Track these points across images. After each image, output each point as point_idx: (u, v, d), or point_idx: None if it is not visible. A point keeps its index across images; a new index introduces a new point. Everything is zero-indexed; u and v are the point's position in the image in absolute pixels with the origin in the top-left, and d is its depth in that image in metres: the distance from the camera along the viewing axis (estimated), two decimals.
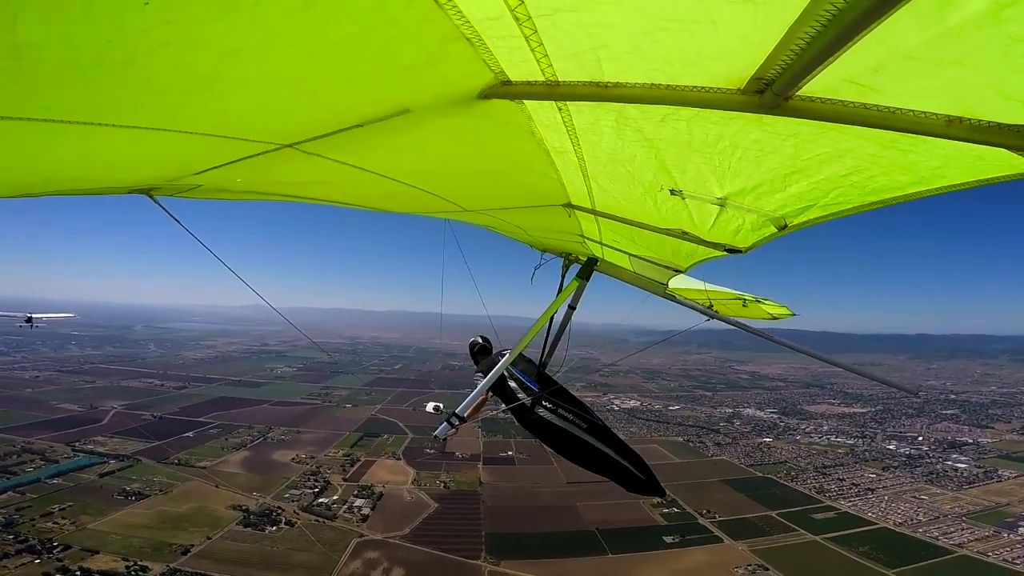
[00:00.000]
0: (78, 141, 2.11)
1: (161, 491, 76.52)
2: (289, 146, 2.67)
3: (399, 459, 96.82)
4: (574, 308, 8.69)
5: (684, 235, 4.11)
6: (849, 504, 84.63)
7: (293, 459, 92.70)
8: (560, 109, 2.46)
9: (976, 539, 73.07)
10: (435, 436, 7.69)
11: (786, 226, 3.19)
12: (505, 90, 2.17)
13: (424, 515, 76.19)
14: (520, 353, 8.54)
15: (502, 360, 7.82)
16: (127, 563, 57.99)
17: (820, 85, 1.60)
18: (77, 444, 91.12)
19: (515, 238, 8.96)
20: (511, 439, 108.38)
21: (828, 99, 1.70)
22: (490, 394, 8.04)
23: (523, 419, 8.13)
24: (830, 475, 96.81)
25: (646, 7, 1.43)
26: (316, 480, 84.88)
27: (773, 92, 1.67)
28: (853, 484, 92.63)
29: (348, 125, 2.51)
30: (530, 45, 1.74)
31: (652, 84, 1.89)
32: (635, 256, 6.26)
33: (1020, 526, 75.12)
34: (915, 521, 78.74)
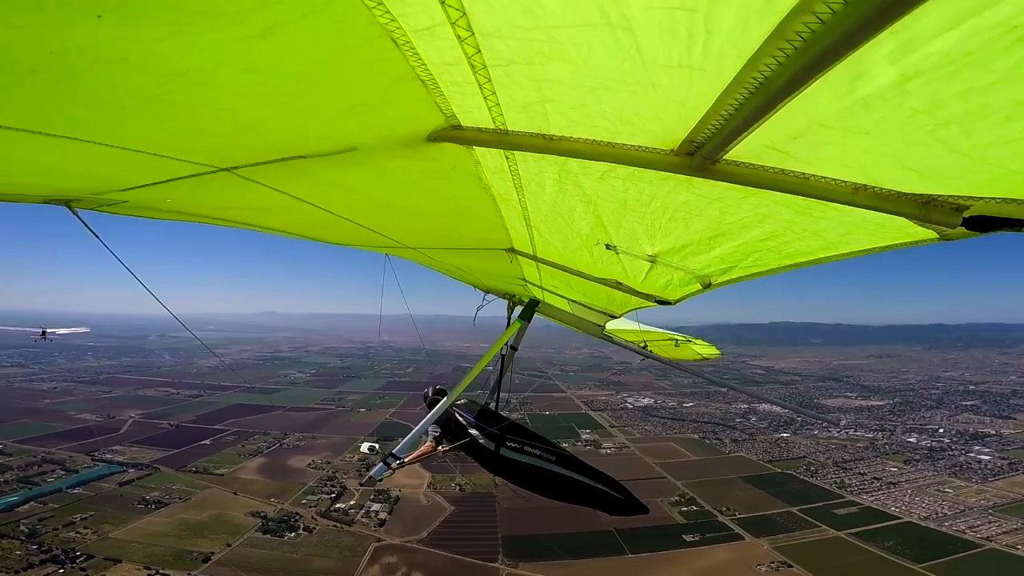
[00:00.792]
0: None
1: (180, 499, 76.97)
2: (226, 170, 2.60)
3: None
4: (516, 349, 8.68)
5: (618, 285, 4.38)
6: (872, 499, 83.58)
7: (309, 464, 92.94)
8: (507, 157, 2.52)
9: (1005, 532, 71.86)
10: (370, 477, 7.74)
11: (710, 284, 3.42)
12: (456, 134, 2.20)
13: (440, 518, 76.08)
14: (475, 402, 8.64)
15: (442, 400, 7.80)
16: (149, 571, 58.38)
17: (745, 150, 1.69)
18: (96, 454, 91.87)
19: (456, 278, 9.08)
20: None
21: (751, 164, 1.80)
22: (438, 445, 7.95)
23: (489, 463, 7.97)
24: (851, 470, 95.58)
25: (593, 67, 1.48)
26: (332, 485, 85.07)
27: (702, 155, 1.75)
28: (875, 478, 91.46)
29: (290, 155, 2.47)
30: (483, 93, 1.78)
31: (594, 140, 1.97)
32: (574, 301, 6.58)
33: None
34: (941, 515, 77.57)
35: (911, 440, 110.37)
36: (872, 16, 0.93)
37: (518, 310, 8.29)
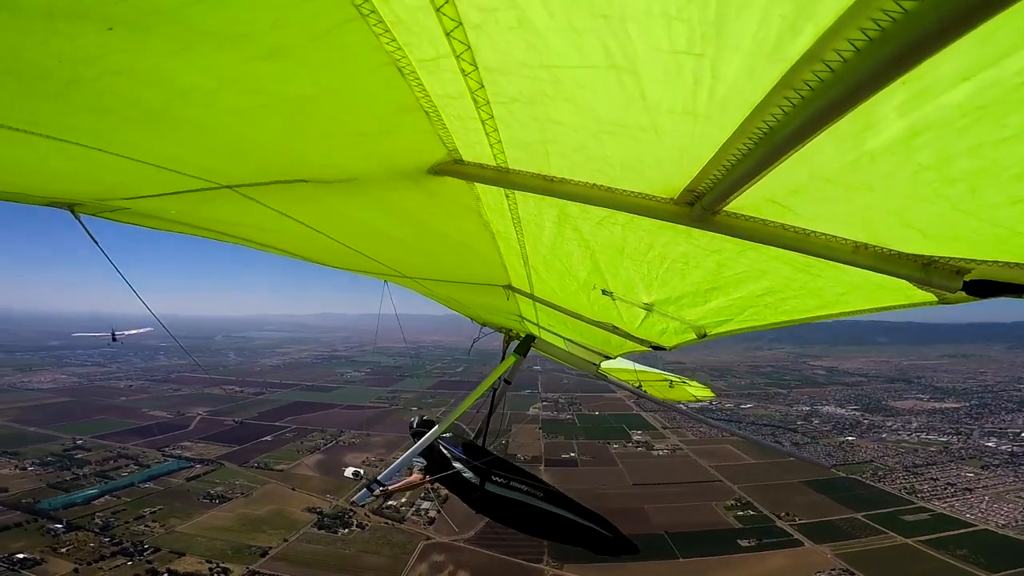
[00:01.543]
0: None
1: (242, 494, 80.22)
2: (227, 187, 2.62)
3: None
4: (510, 383, 8.56)
5: (614, 329, 4.40)
6: (944, 505, 78.72)
7: (364, 462, 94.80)
8: (508, 196, 2.49)
9: None
10: (353, 502, 7.88)
11: (705, 335, 3.44)
12: (457, 168, 2.17)
13: (487, 518, 75.97)
14: (461, 436, 8.58)
15: (430, 431, 7.70)
16: (210, 565, 60.86)
17: (746, 202, 1.66)
18: (166, 449, 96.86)
19: (453, 310, 9.05)
20: (573, 440, 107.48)
21: (751, 216, 1.77)
22: (427, 476, 7.82)
23: (472, 498, 7.82)
24: (922, 475, 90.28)
25: (597, 110, 1.46)
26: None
27: (702, 205, 1.72)
28: (948, 484, 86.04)
29: (292, 179, 2.48)
30: (486, 129, 1.77)
31: (594, 184, 1.94)
32: (569, 340, 6.64)
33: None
34: (1021, 523, 72.23)
35: (989, 444, 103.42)
36: (885, 65, 0.89)
37: (514, 344, 8.22)
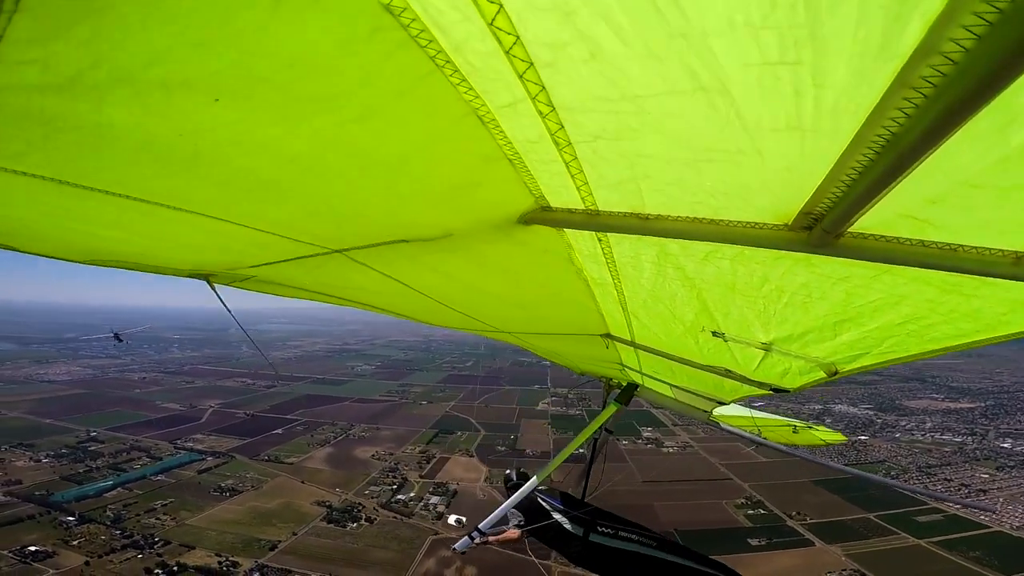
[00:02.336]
0: (143, 219, 2.19)
1: (252, 487, 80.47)
2: (339, 252, 2.73)
3: (472, 456, 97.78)
4: (611, 432, 8.49)
5: (728, 373, 4.05)
6: (957, 506, 77.45)
7: (373, 455, 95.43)
8: (600, 240, 2.39)
9: None
10: (454, 549, 7.63)
11: (836, 372, 3.08)
12: (545, 216, 2.14)
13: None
14: (555, 489, 8.31)
15: (526, 483, 7.44)
16: (219, 559, 61.05)
17: (874, 220, 1.51)
18: (179, 442, 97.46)
19: (553, 360, 8.96)
20: None
21: (882, 236, 1.59)
22: (525, 533, 7.69)
23: (573, 551, 7.56)
24: (936, 475, 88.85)
25: (690, 138, 1.39)
26: (394, 477, 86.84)
27: (822, 228, 1.57)
28: (963, 484, 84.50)
29: (394, 239, 2.55)
30: (570, 171, 1.72)
31: (695, 218, 1.83)
32: (677, 387, 6.20)
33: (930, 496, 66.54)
34: None
35: (1005, 445, 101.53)
36: (1014, 51, 0.80)
37: (615, 393, 7.98)
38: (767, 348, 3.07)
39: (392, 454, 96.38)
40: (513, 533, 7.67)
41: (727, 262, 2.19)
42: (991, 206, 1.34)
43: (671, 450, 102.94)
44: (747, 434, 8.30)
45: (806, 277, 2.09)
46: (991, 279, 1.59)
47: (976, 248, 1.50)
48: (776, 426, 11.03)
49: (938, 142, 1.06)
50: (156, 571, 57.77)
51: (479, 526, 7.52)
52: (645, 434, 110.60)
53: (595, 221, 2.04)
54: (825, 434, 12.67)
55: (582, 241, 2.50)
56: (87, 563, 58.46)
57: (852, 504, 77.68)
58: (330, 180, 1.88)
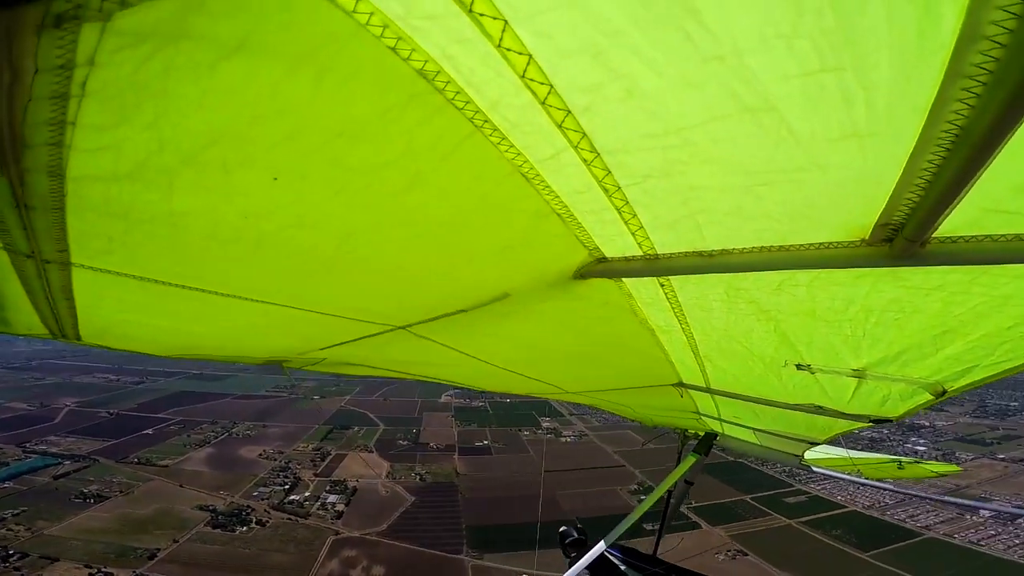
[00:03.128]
0: (219, 311, 2.31)
1: (121, 492, 73.39)
2: (402, 328, 2.81)
3: (372, 451, 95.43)
4: (691, 483, 7.87)
5: (819, 410, 3.76)
6: (819, 487, 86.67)
7: (260, 455, 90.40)
8: (663, 285, 2.29)
9: (942, 521, 75.87)
10: None
11: (944, 392, 2.79)
12: (601, 268, 2.09)
13: (401, 509, 75.13)
14: (624, 544, 7.65)
15: (598, 544, 6.72)
16: (90, 570, 55.52)
17: (960, 221, 1.38)
18: (28, 445, 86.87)
19: (623, 415, 8.68)
20: (486, 428, 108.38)
21: (973, 236, 1.46)
22: None
23: None
24: None
25: (742, 162, 1.33)
26: (286, 476, 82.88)
27: (905, 238, 1.45)
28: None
29: (453, 310, 2.57)
30: (623, 217, 1.67)
31: (761, 247, 1.73)
32: (760, 431, 5.90)
33: (982, 508, 77.82)
34: (882, 504, 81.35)
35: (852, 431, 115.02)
36: None
37: (692, 443, 7.59)
38: (860, 375, 2.84)
39: (282, 453, 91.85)
40: None
41: (803, 289, 2.04)
42: None
43: (568, 439, 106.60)
44: (847, 476, 8.12)
45: (895, 292, 1.92)
46: None
47: None
48: (878, 463, 10.29)
49: (1012, 128, 0.99)
50: None
51: None
52: (544, 424, 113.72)
53: (655, 266, 1.96)
54: (936, 466, 11.89)
55: (643, 289, 2.38)
56: None
57: (730, 486, 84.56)
58: (387, 252, 1.90)
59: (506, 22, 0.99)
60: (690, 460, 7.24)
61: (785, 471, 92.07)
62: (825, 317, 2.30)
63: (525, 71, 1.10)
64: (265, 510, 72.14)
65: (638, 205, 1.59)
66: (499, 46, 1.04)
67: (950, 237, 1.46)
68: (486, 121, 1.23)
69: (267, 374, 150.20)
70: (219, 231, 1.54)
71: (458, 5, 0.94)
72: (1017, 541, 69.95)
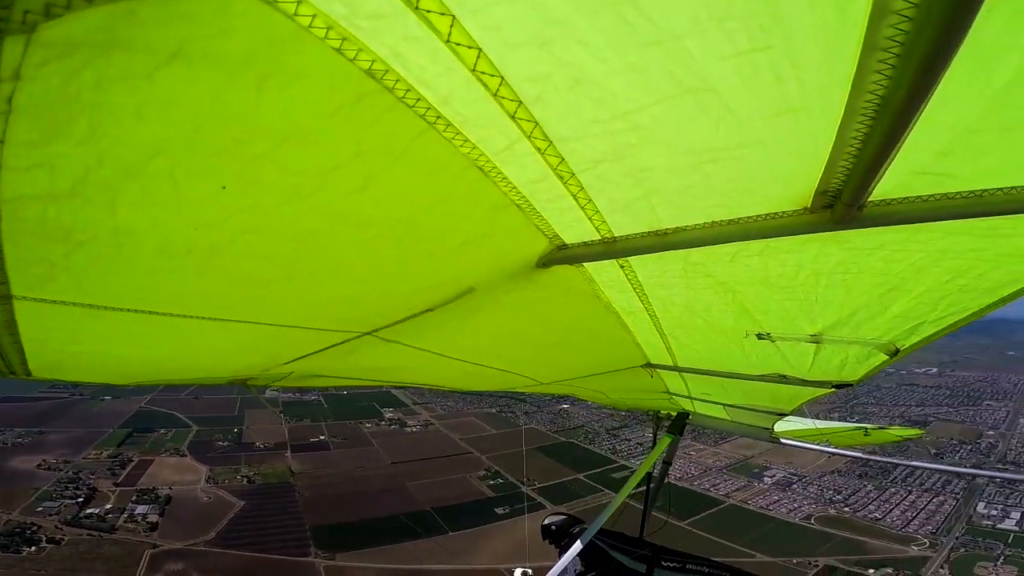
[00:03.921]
0: (175, 333, 2.26)
1: None
2: (368, 334, 2.77)
3: (184, 455, 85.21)
4: (669, 464, 8.29)
5: (782, 379, 3.90)
6: (636, 462, 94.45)
7: (39, 465, 76.36)
8: (622, 266, 2.35)
9: (737, 489, 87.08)
10: None
11: (898, 351, 2.96)
12: (563, 255, 2.13)
13: (230, 515, 68.35)
14: (611, 529, 7.94)
15: (587, 530, 6.88)
16: None
17: (892, 184, 1.51)
18: None
19: (597, 402, 8.90)
20: (321, 422, 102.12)
21: (905, 198, 1.58)
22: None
23: None
24: (619, 436, 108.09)
25: (689, 142, 1.39)
26: (77, 488, 71.37)
27: (843, 203, 1.56)
28: (638, 444, 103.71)
29: (419, 310, 2.56)
30: (579, 203, 1.72)
31: (713, 222, 1.82)
32: (730, 406, 6.09)
33: (765, 476, 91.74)
34: (690, 475, 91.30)
35: None
36: (956, 2, 0.85)
37: (666, 424, 7.72)
38: (817, 340, 2.96)
39: (69, 462, 78.63)
40: None
41: (756, 258, 2.15)
42: (1000, 147, 1.37)
43: (414, 429, 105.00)
44: (817, 446, 8.40)
45: (840, 255, 2.07)
46: None
47: (1001, 189, 1.50)
48: (845, 431, 11.01)
49: (926, 96, 1.08)
50: None
51: None
52: (387, 415, 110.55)
53: (613, 248, 2.03)
54: (902, 431, 12.83)
55: (604, 272, 2.44)
56: None
57: (566, 466, 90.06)
58: (346, 255, 1.89)
59: (454, 17, 0.99)
60: (665, 441, 7.46)
61: (609, 448, 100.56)
62: (778, 284, 2.37)
63: (476, 64, 1.11)
64: (57, 526, 61.69)
65: (593, 190, 1.62)
66: (448, 41, 1.04)
67: (885, 200, 1.57)
68: (439, 117, 1.23)
69: None
70: (169, 245, 1.49)
71: (404, 3, 0.95)
72: (795, 505, 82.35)
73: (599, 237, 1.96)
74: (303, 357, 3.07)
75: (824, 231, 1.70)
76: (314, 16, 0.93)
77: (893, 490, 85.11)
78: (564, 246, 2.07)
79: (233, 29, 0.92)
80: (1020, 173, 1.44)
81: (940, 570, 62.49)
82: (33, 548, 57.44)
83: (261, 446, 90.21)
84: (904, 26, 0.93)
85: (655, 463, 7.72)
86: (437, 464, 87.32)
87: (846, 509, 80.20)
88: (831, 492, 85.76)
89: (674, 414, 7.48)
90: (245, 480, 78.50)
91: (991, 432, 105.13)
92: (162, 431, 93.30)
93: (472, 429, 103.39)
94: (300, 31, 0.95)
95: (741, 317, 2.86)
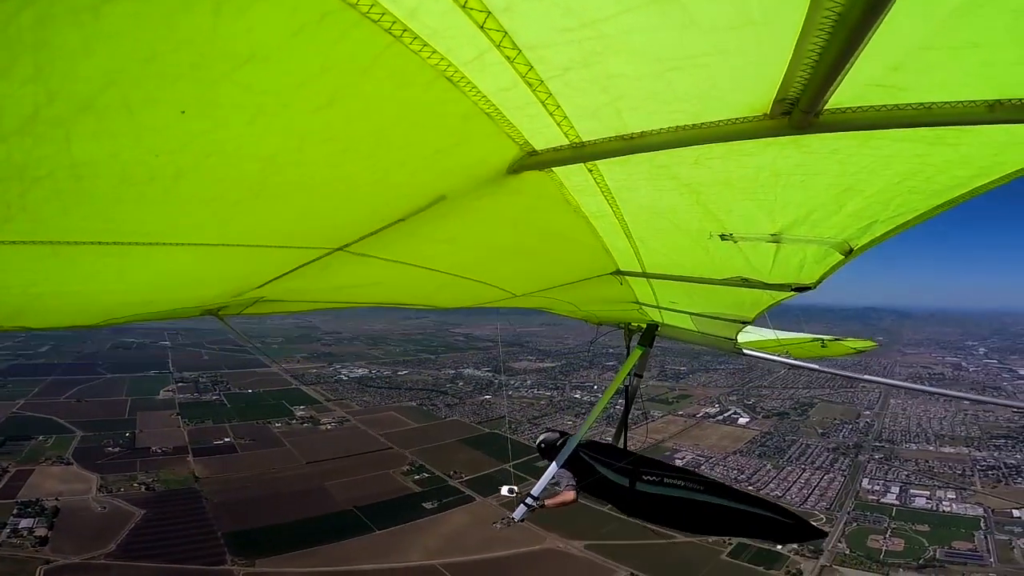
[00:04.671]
0: (143, 263, 2.27)
1: None
2: (339, 249, 2.78)
3: (70, 463, 77.87)
4: (641, 376, 8.51)
5: (744, 282, 4.03)
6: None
7: None
8: (591, 171, 2.43)
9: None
10: (512, 519, 7.63)
11: (851, 250, 3.08)
12: (533, 160, 2.19)
13: (130, 525, 63.30)
14: (594, 440, 8.47)
15: (568, 441, 7.70)
16: None
17: (847, 95, 1.58)
18: None
19: (570, 316, 9.10)
20: (225, 424, 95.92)
21: (859, 107, 1.67)
22: (577, 493, 7.69)
23: (622, 501, 7.68)
24: (540, 424, 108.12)
25: (654, 50, 1.44)
26: None
27: (801, 111, 1.65)
28: (560, 432, 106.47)
29: (391, 221, 2.56)
30: (548, 109, 1.77)
31: (677, 127, 1.89)
32: (696, 315, 6.30)
33: (676, 458, 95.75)
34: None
35: (576, 396, 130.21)
36: None
37: (636, 337, 8.12)
38: (777, 239, 3.07)
39: None
40: (569, 494, 7.52)
41: (718, 161, 2.23)
42: (949, 64, 1.44)
43: (329, 427, 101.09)
44: (777, 357, 8.43)
45: (798, 157, 2.15)
46: (971, 127, 1.70)
47: (949, 103, 1.59)
48: (802, 343, 11.32)
49: (880, 13, 1.13)
50: None
51: (532, 492, 7.45)
52: (299, 413, 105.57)
53: (581, 152, 2.09)
54: (856, 343, 13.06)
55: (573, 177, 2.51)
56: None
57: (491, 457, 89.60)
58: (313, 172, 1.90)
59: None
60: (637, 353, 7.94)
61: (533, 437, 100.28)
62: (740, 185, 2.48)
63: None
64: None
65: (561, 96, 1.66)
66: None
67: (840, 108, 1.64)
68: (405, 30, 1.23)
69: None
70: (131, 174, 1.49)
71: None
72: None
73: (568, 142, 2.01)
74: (275, 279, 3.07)
75: (783, 135, 1.75)
76: None
77: (789, 468, 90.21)
78: (534, 152, 2.11)
79: None
80: (966, 89, 1.52)
81: (839, 544, 67.50)
82: None
83: (159, 451, 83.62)
84: None
85: (627, 375, 8.08)
86: (357, 461, 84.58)
87: (750, 488, 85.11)
88: (735, 471, 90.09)
89: (644, 326, 8.01)
90: (144, 487, 72.96)
91: (867, 412, 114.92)
92: (40, 438, 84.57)
93: (392, 424, 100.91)
94: None
95: (705, 218, 2.91)
